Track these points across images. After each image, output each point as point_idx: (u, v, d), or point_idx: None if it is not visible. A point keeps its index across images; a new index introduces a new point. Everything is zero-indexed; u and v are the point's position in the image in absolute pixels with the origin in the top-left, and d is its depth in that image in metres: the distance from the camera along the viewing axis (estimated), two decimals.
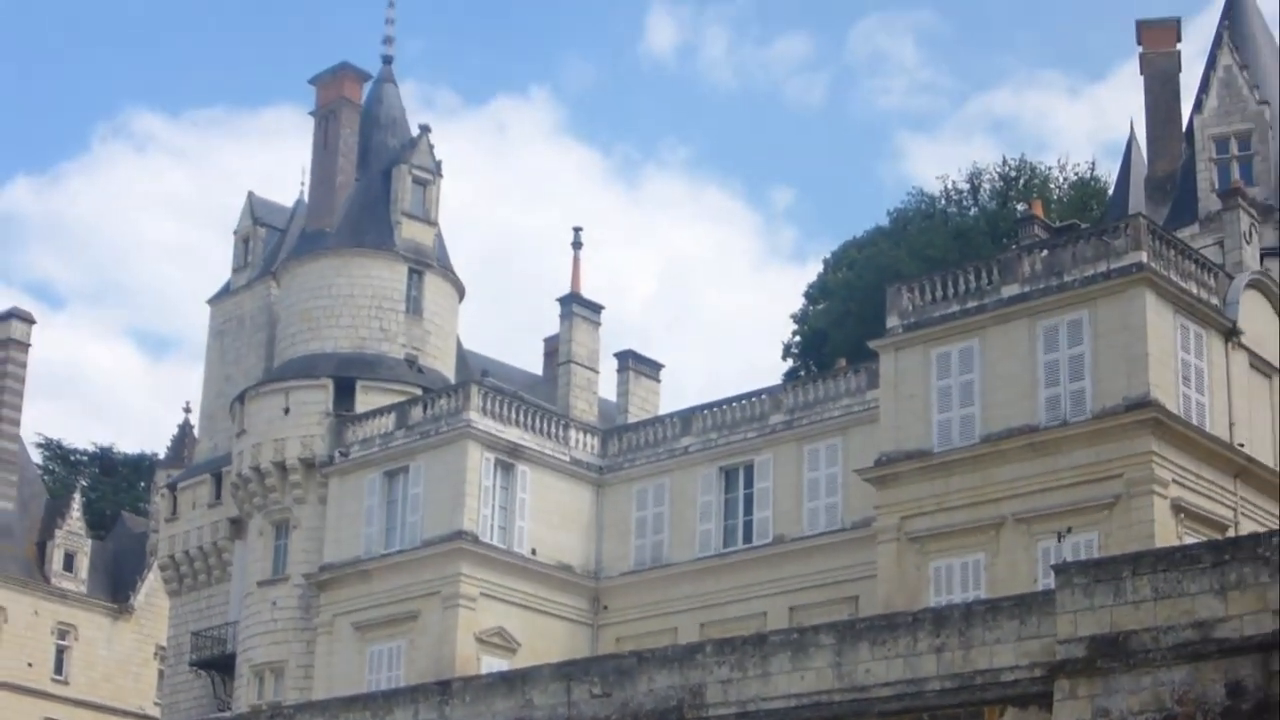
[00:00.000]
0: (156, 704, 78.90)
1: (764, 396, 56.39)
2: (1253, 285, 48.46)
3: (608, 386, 67.61)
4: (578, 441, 59.25)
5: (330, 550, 58.90)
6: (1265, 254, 52.09)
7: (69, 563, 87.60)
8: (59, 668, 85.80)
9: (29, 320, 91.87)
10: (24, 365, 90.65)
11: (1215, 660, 29.61)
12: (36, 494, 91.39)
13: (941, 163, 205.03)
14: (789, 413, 55.01)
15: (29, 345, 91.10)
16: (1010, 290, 46.31)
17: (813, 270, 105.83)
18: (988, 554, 44.55)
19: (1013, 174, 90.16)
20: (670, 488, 57.32)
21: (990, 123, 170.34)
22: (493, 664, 52.09)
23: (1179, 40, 64.07)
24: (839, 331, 78.49)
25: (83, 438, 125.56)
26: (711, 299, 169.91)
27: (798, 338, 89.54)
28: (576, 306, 66.78)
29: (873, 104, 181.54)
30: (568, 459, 58.58)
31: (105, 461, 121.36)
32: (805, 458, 54.13)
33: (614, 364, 67.83)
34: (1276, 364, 48.68)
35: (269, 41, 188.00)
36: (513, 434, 57.43)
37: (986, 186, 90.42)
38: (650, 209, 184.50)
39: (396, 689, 47.21)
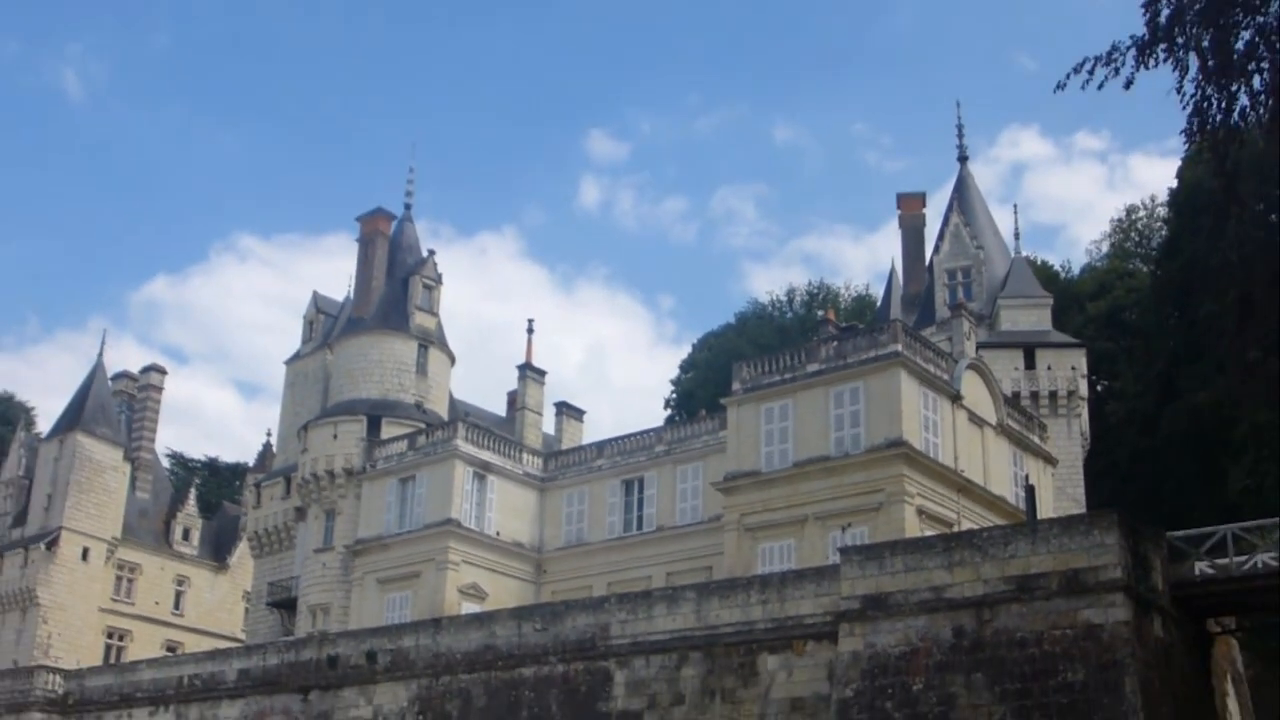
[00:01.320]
0: (243, 631, 77.95)
1: (651, 433, 56.51)
2: (971, 367, 49.14)
3: (549, 424, 67.72)
4: (528, 461, 59.16)
5: (362, 529, 58.64)
6: (980, 346, 52.90)
7: (186, 535, 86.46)
8: (177, 605, 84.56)
9: (162, 372, 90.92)
10: (159, 402, 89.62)
11: (945, 612, 30.12)
12: (165, 489, 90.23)
13: (770, 283, 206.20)
14: (669, 444, 55.20)
15: (162, 389, 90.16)
16: (813, 367, 46.78)
17: (685, 350, 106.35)
18: (796, 540, 44.82)
19: (815, 291, 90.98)
20: (589, 493, 57.24)
21: (802, 256, 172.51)
22: (469, 607, 51.92)
23: (924, 205, 65.28)
24: (702, 391, 78.73)
25: (198, 451, 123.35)
26: (619, 367, 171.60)
27: (674, 394, 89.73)
28: (529, 371, 66.91)
29: (726, 242, 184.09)
30: (521, 472, 58.46)
31: (212, 468, 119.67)
32: (678, 474, 54.27)
33: (553, 410, 67.97)
34: (984, 419, 49.42)
35: (330, 189, 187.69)
36: (486, 455, 57.30)
37: (799, 299, 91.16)
38: (580, 307, 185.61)
39: (405, 623, 47.07)
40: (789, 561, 43.73)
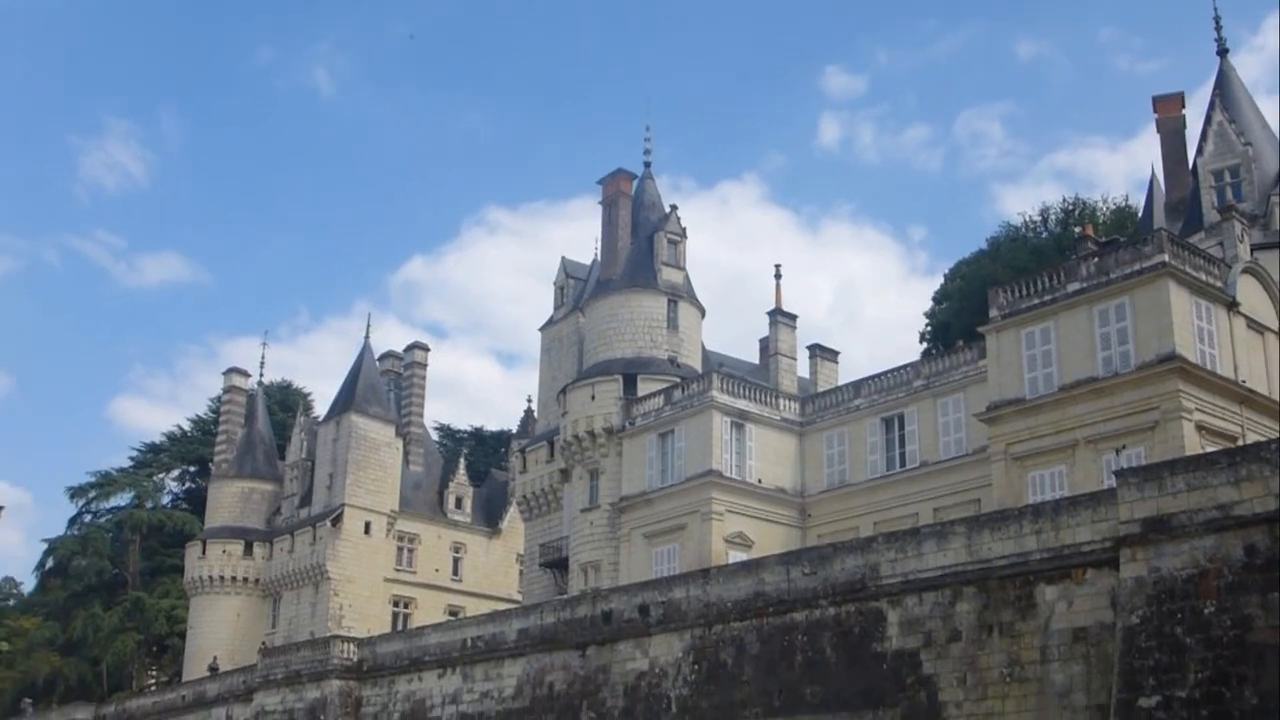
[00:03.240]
0: (519, 592, 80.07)
1: (909, 368, 55.57)
2: (1246, 271, 46.54)
3: (803, 368, 67.26)
4: (785, 406, 58.95)
5: (626, 486, 59.36)
6: (1254, 248, 50.04)
7: (459, 503, 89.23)
8: (455, 571, 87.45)
9: (425, 349, 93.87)
10: (424, 378, 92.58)
11: (1234, 531, 28.56)
12: (436, 461, 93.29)
13: (1022, 203, 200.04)
14: (927, 378, 54.16)
15: (426, 365, 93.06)
16: (1073, 286, 45.10)
17: (937, 281, 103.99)
18: (1067, 466, 43.41)
19: (1071, 207, 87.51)
20: (848, 434, 56.71)
21: (1054, 173, 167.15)
22: (736, 556, 51.95)
23: (1183, 106, 61.82)
24: (957, 322, 76.90)
25: (464, 422, 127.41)
26: (871, 304, 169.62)
27: (929, 327, 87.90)
28: (779, 317, 66.45)
29: (974, 167, 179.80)
30: (779, 418, 58.30)
31: (478, 437, 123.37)
32: (939, 408, 53.26)
33: (806, 353, 67.41)
34: (1265, 325, 46.76)
35: (571, 154, 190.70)
36: (742, 404, 57.30)
37: (1053, 217, 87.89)
38: (827, 247, 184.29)
39: (674, 575, 47.41)
40: (1060, 489, 42.38)
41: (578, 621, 46.01)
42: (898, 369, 55.89)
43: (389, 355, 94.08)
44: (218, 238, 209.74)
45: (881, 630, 35.55)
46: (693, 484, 55.78)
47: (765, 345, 69.60)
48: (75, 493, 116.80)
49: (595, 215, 69.46)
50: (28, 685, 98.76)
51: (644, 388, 60.87)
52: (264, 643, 78.27)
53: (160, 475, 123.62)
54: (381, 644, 57.87)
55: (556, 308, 75.34)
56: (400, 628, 77.22)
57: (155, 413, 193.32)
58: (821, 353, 67.71)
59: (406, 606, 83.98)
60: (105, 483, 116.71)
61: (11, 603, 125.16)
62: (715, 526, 54.52)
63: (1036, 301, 45.93)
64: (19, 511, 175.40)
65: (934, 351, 72.44)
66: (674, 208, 67.25)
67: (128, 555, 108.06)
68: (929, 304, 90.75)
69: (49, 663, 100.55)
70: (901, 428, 54.58)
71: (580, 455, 61.82)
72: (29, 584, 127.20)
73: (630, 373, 61.73)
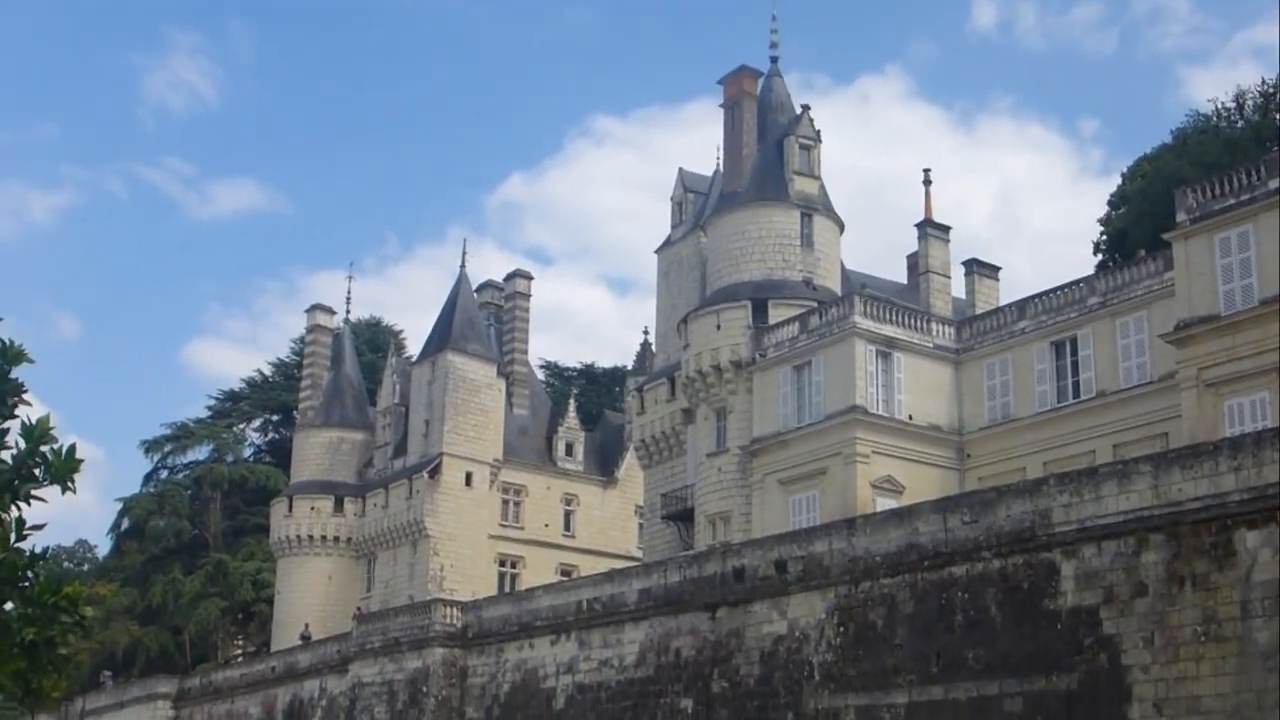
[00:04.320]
0: (639, 548, 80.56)
1: (1082, 284, 54.52)
2: None
3: (959, 287, 66.65)
4: (938, 331, 58.29)
5: (757, 427, 59.28)
6: None
7: (569, 450, 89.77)
8: (567, 526, 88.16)
9: (529, 277, 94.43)
10: (527, 310, 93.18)
11: None
12: (543, 403, 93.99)
13: (1213, 88, 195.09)
14: (1103, 295, 53.05)
15: (529, 296, 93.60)
16: (1275, 183, 43.72)
17: (1114, 182, 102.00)
18: (1270, 392, 42.31)
19: (1272, 91, 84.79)
20: (1012, 361, 55.97)
21: (1252, 50, 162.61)
22: (885, 503, 51.61)
23: None
24: (1136, 229, 75.18)
25: (572, 358, 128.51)
26: (1036, 212, 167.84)
27: (1104, 235, 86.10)
28: (930, 229, 66.05)
29: (1155, 47, 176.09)
30: (931, 345, 57.67)
31: (589, 375, 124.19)
32: (1118, 328, 52.20)
33: (962, 270, 66.91)
34: None
35: (686, 52, 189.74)
36: (888, 330, 56.80)
37: (1250, 103, 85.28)
38: (984, 147, 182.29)
39: (814, 526, 47.31)
40: (1263, 419, 41.36)
41: (706, 580, 46.09)
42: (1069, 285, 54.84)
43: (488, 286, 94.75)
44: (296, 161, 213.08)
45: (1054, 585, 35.08)
46: (833, 422, 55.51)
47: (914, 262, 69.09)
48: (150, 447, 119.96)
49: (716, 120, 69.26)
50: (106, 657, 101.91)
51: (776, 314, 60.59)
52: (358, 608, 79.76)
53: (241, 426, 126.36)
54: (487, 608, 58.58)
55: (674, 227, 75.29)
56: (508, 589, 78.08)
57: (234, 356, 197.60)
58: (979, 269, 67.09)
59: (514, 566, 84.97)
60: (182, 435, 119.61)
61: (86, 568, 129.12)
62: (860, 470, 54.23)
63: (1232, 202, 44.69)
64: (91, 469, 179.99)
65: (1111, 264, 70.88)
66: (806, 108, 66.67)
67: (208, 514, 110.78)
68: (1104, 209, 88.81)
69: (128, 632, 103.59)
70: (1074, 353, 53.64)
71: (705, 393, 61.79)
72: (104, 547, 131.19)
73: (760, 298, 61.49)
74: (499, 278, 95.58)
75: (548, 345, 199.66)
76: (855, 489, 53.88)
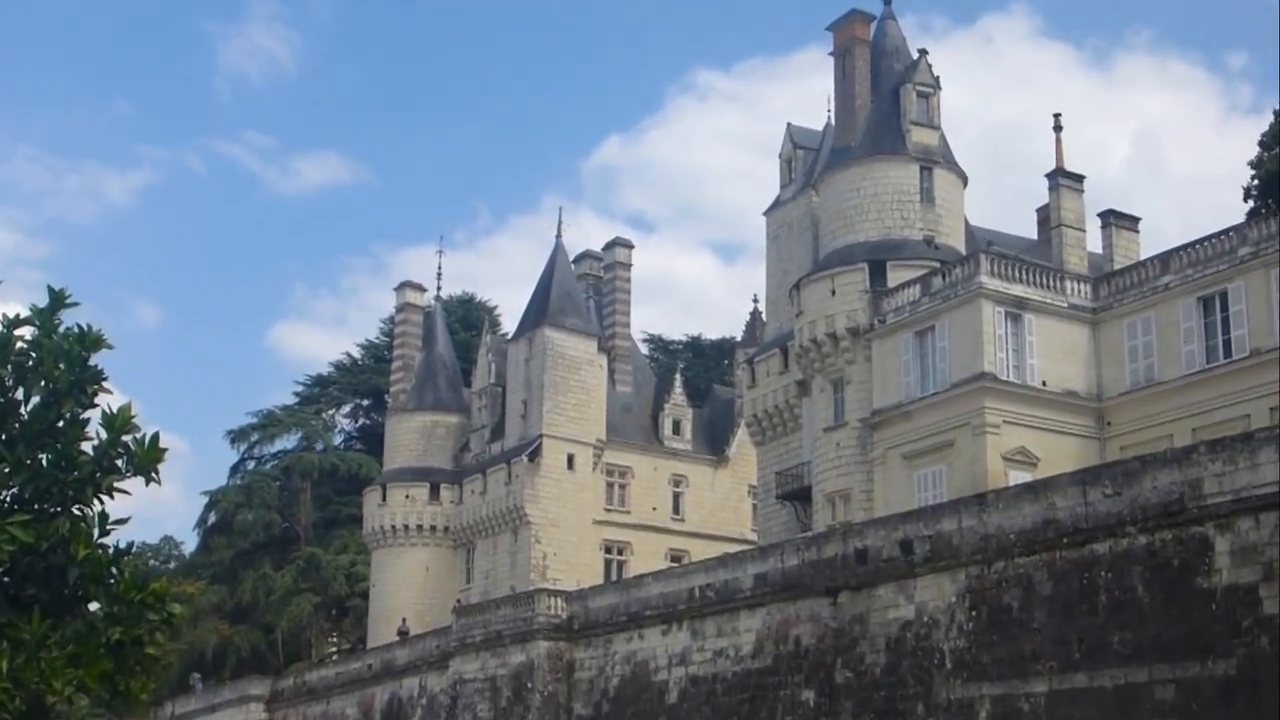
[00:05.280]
0: (753, 530, 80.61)
1: (1231, 233, 53.68)
2: None
3: (1094, 241, 65.93)
4: (1073, 289, 57.74)
5: (878, 398, 59.15)
6: None
7: (676, 428, 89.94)
8: (675, 509, 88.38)
9: (629, 246, 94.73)
10: (628, 280, 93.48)
11: None
12: (647, 379, 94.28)
13: None
14: (1256, 244, 52.18)
15: (630, 265, 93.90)
16: None
17: (1265, 121, 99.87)
18: None
19: None
20: (1156, 319, 55.28)
21: None
22: (1018, 477, 51.25)
23: None
24: None
25: (677, 331, 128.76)
26: (1179, 156, 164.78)
27: (1256, 179, 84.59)
28: (1061, 179, 65.42)
29: None
30: (1065, 305, 57.14)
31: (696, 347, 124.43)
32: (1273, 281, 51.33)
33: (1098, 223, 66.25)
34: None
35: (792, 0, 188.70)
36: (1018, 290, 56.38)
37: None
38: (1121, 87, 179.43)
39: (941, 503, 47.04)
40: None
41: (826, 563, 46.04)
42: (1217, 235, 54.08)
43: (586, 256, 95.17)
44: (380, 131, 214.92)
45: (1208, 561, 34.59)
46: (960, 391, 55.28)
47: (1045, 216, 68.59)
48: (236, 436, 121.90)
49: (826, 70, 68.89)
50: (195, 658, 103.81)
51: (895, 276, 60.42)
52: (458, 600, 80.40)
53: (330, 412, 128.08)
54: (594, 597, 58.91)
55: (783, 186, 75.21)
56: (614, 577, 78.50)
57: (320, 339, 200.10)
58: (1117, 220, 66.43)
59: (620, 553, 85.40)
60: (269, 423, 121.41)
61: (172, 565, 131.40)
62: (990, 442, 53.95)
63: None
64: (175, 461, 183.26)
65: (1264, 210, 69.52)
66: (923, 53, 66.38)
67: (298, 506, 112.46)
68: (1254, 150, 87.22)
69: (218, 632, 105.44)
70: (1225, 308, 52.87)
71: (820, 363, 61.72)
72: (190, 543, 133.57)
73: (877, 259, 61.34)
74: (597, 247, 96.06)
75: (651, 317, 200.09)
76: (985, 462, 53.59)
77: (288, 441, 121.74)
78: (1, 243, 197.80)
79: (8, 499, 11.67)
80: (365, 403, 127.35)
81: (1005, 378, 55.22)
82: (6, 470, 11.63)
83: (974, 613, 40.38)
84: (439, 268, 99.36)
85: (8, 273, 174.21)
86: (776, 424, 70.70)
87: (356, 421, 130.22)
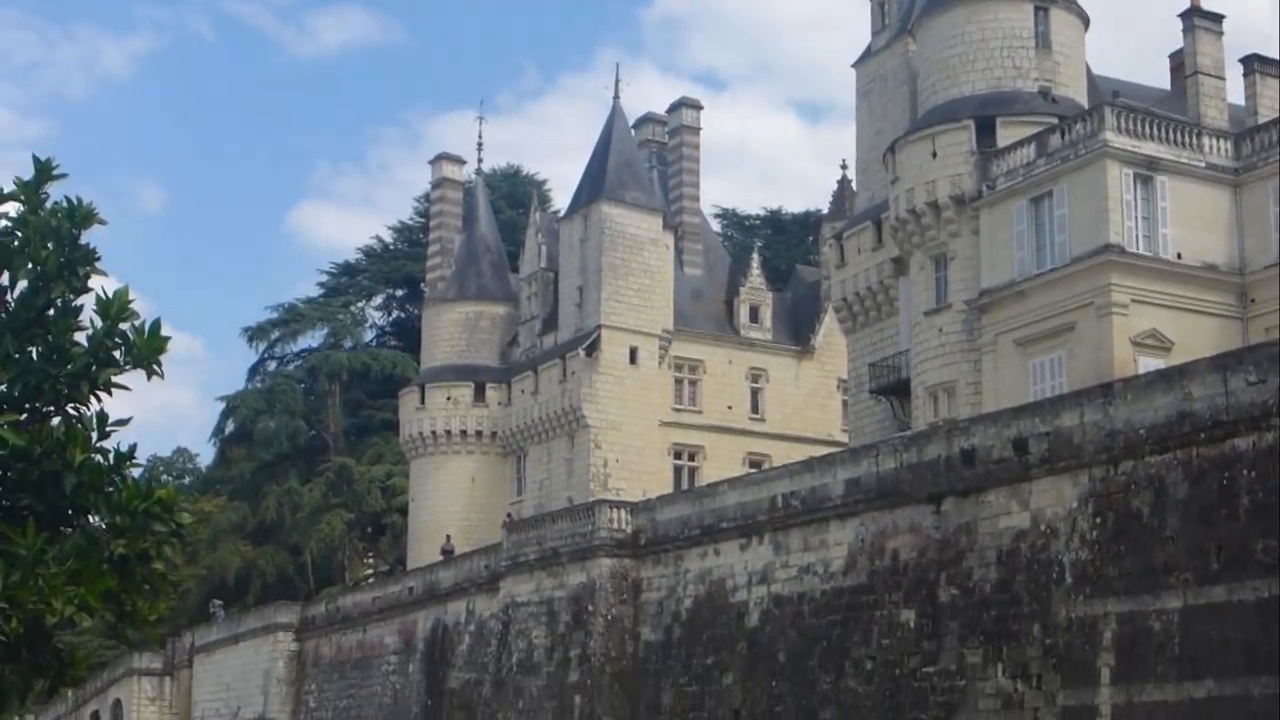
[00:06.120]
0: (843, 430, 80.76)
1: None
2: None
3: (1235, 91, 65.25)
4: (1211, 147, 57.26)
5: (987, 276, 59.00)
6: None
7: (754, 315, 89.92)
8: (754, 407, 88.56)
9: (698, 107, 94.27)
10: (697, 147, 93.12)
11: None
12: (719, 258, 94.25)
13: None
14: None
15: (699, 130, 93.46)
16: None
17: None
18: None
19: None
20: None
21: None
22: (1149, 363, 51.11)
23: None
24: None
25: (754, 203, 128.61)
26: None
27: None
28: (1198, 19, 64.75)
29: None
30: (1203, 165, 56.71)
31: (775, 222, 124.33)
32: None
33: (1239, 69, 65.46)
34: None
35: None
36: (1148, 148, 55.96)
37: None
38: None
39: (1061, 395, 46.96)
40: None
41: (927, 466, 46.20)
42: None
43: (648, 120, 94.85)
44: None
45: None
46: (1082, 266, 55.13)
47: (1179, 63, 67.83)
48: (254, 334, 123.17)
49: None
50: (216, 584, 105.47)
51: (1006, 135, 60.09)
52: (509, 514, 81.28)
53: (359, 304, 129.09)
54: (662, 509, 59.31)
55: (875, 33, 74.64)
56: (685, 486, 78.84)
57: (347, 222, 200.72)
58: (1262, 66, 65.85)
59: (692, 458, 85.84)
60: (291, 319, 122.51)
61: (187, 480, 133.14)
62: (1117, 324, 53.85)
63: None
64: (188, 364, 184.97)
65: None
66: None
67: (326, 411, 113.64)
68: None
69: (240, 554, 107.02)
70: None
71: (920, 236, 61.72)
72: (206, 455, 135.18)
73: (985, 115, 61.07)
74: (661, 110, 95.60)
75: (724, 189, 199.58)
76: (1111, 347, 53.53)
77: (313, 339, 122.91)
78: None
79: None
80: (399, 293, 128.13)
81: (1134, 250, 54.97)
82: None
83: (1098, 520, 40.44)
84: (480, 137, 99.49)
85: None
86: (869, 308, 70.59)
87: (390, 314, 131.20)
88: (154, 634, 13.65)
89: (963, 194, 60.31)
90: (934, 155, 61.32)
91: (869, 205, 71.92)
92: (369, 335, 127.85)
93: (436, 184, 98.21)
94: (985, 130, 60.77)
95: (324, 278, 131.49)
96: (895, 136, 65.26)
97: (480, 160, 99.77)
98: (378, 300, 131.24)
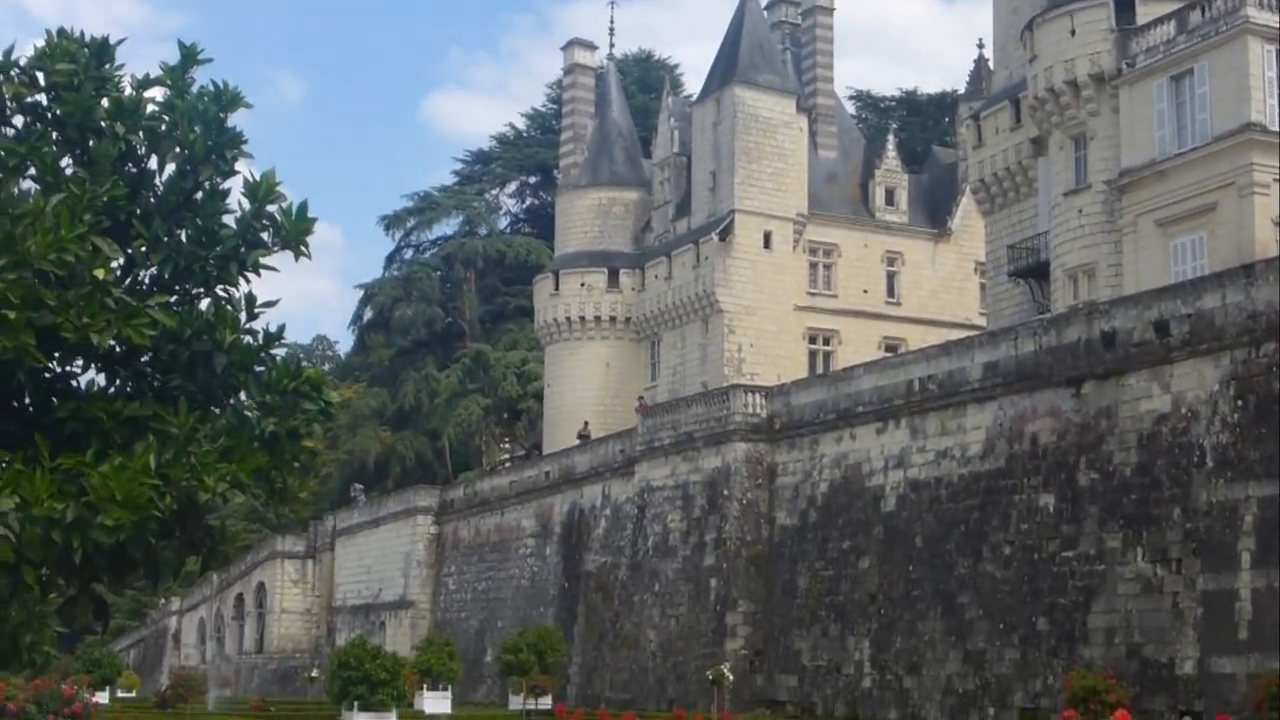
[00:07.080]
0: (981, 314, 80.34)
1: None
2: None
3: None
4: None
5: (1127, 156, 58.30)
6: None
7: (889, 197, 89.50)
8: (890, 291, 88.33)
9: None
10: (830, 28, 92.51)
11: None
12: (854, 141, 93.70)
13: None
14: None
15: (833, 10, 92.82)
16: None
17: None
18: None
19: None
20: None
21: None
22: None
23: None
24: None
25: (888, 84, 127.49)
26: None
27: None
28: None
29: None
30: None
31: (911, 103, 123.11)
32: None
33: None
34: None
35: None
36: None
37: None
38: None
39: (1202, 276, 46.39)
40: None
41: (1067, 349, 45.93)
42: None
43: (781, 1, 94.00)
44: None
45: None
46: (1224, 145, 54.28)
47: None
48: (391, 223, 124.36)
49: None
50: (356, 469, 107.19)
51: (1146, 11, 59.15)
52: (642, 399, 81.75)
53: (494, 192, 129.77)
54: (797, 393, 59.40)
55: None
56: (820, 370, 78.86)
57: (480, 110, 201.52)
58: None
59: (827, 342, 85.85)
60: (427, 207, 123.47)
61: (327, 367, 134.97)
62: (1259, 204, 53.03)
63: None
64: (326, 254, 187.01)
65: None
66: None
67: (461, 298, 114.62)
68: None
69: (379, 439, 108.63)
70: None
71: (1059, 115, 61.17)
72: (345, 342, 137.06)
73: None
74: None
75: (858, 71, 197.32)
76: (1253, 227, 52.77)
77: (448, 226, 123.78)
78: (129, 16, 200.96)
79: (146, 279, 12.02)
80: (532, 180, 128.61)
81: (1277, 128, 53.90)
82: (144, 249, 11.94)
83: (1240, 403, 40.06)
84: (611, 22, 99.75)
85: (137, 49, 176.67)
86: (1007, 189, 70.02)
87: (523, 202, 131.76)
88: (303, 510, 13.90)
89: (1102, 72, 59.58)
90: (1072, 33, 60.57)
91: (1007, 85, 71.18)
92: (503, 222, 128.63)
93: (569, 70, 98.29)
94: (1124, 7, 59.85)
95: (458, 166, 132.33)
96: (1033, 14, 64.23)
97: (612, 46, 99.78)
98: (511, 187, 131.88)
